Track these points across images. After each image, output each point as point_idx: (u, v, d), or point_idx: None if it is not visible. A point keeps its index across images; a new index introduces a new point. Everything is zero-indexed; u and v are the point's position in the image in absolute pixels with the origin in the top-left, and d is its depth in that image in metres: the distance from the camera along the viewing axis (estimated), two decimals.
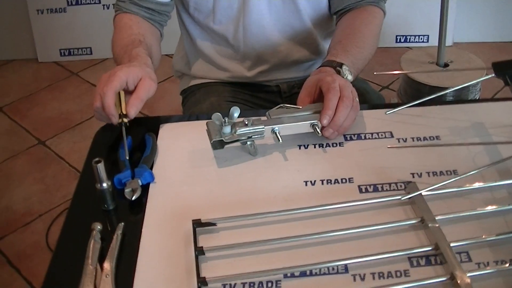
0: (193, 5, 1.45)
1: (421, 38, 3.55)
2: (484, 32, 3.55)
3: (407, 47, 3.48)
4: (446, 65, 2.60)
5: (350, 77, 1.23)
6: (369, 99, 1.51)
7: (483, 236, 0.93)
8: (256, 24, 1.45)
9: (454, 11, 3.39)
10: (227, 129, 1.07)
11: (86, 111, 3.07)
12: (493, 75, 1.08)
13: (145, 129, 1.19)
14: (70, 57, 3.62)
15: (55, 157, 2.82)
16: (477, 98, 2.60)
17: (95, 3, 3.48)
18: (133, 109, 1.14)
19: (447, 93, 2.61)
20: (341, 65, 1.25)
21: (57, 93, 3.31)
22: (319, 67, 1.28)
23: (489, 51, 3.34)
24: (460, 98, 2.46)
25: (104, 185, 1.00)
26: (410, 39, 3.60)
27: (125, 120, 1.13)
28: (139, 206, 1.03)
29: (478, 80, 1.24)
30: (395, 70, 2.95)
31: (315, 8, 1.49)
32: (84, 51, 3.62)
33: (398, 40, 3.60)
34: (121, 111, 1.14)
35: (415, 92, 2.66)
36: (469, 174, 1.00)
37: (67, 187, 2.58)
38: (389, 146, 1.13)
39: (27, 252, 2.34)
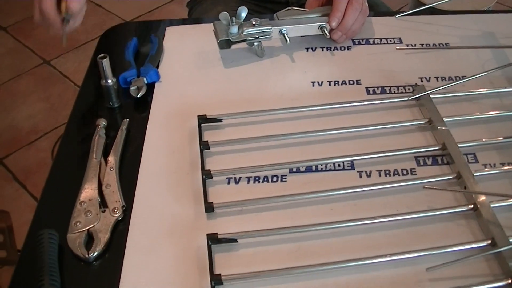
0: None
1: None
2: None
3: None
4: None
5: None
6: (378, 11, 1.48)
7: (491, 139, 0.92)
8: None
9: None
10: (234, 29, 1.06)
11: (91, 31, 3.03)
12: None
13: (150, 33, 1.17)
14: None
15: (60, 76, 2.80)
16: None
17: None
18: (74, 4, 1.03)
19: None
20: None
21: None
22: None
23: None
24: None
25: (109, 81, 0.99)
26: None
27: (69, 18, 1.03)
28: (144, 104, 1.02)
29: None
30: None
31: None
32: None
33: None
34: (65, 11, 1.03)
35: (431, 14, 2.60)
36: (477, 76, 0.99)
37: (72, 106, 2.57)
38: (397, 47, 1.11)
39: (32, 169, 2.35)
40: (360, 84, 1.04)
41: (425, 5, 1.13)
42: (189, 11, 1.62)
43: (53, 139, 2.43)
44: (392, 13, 1.21)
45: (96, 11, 3.25)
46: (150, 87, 1.04)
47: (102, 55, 0.97)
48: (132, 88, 1.01)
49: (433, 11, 1.15)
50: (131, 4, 3.27)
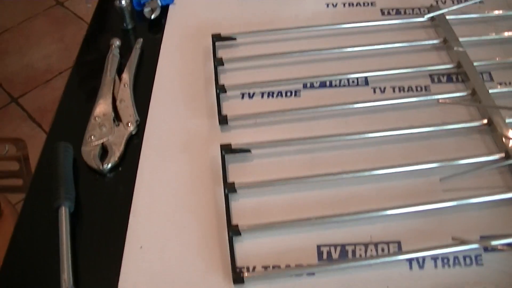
0: None
1: None
2: None
3: None
4: None
5: None
6: None
7: (507, 58, 0.91)
8: None
9: None
10: None
11: None
12: None
13: None
14: None
15: (74, 17, 2.80)
16: None
17: None
18: None
19: None
20: None
21: None
22: None
23: None
24: None
25: (123, 2, 0.98)
26: None
27: None
28: (158, 26, 1.01)
29: None
30: None
31: None
32: None
33: None
34: None
35: None
36: None
37: None
38: None
39: (47, 107, 2.37)
40: (375, 6, 1.03)
41: None
42: None
43: (67, 78, 2.43)
44: None
45: None
46: (164, 9, 1.03)
47: None
48: (146, 9, 1.01)
49: None
50: None
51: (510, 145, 0.77)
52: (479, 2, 1.00)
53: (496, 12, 1.00)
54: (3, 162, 1.57)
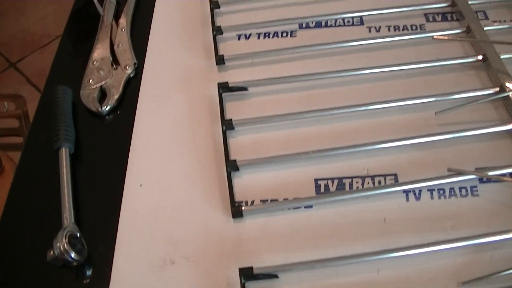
0: None
1: None
2: None
3: None
4: None
5: None
6: None
7: None
8: None
9: None
10: None
11: None
12: None
13: None
14: None
15: None
16: None
17: None
18: None
19: None
20: None
21: None
22: None
23: None
24: None
25: None
26: None
27: None
28: None
29: None
30: None
31: None
32: None
33: None
34: None
35: None
36: None
37: None
38: None
39: (46, 71, 2.34)
40: None
41: None
42: None
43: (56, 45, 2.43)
44: None
45: None
46: None
47: None
48: None
49: None
50: None
51: (504, 79, 0.77)
52: None
53: None
54: (3, 120, 1.57)
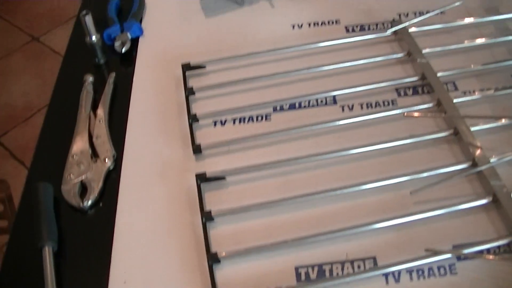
0: None
1: None
2: None
3: None
4: None
5: None
6: None
7: (470, 66, 0.94)
8: None
9: None
10: None
11: (78, 4, 3.02)
12: None
13: None
14: None
15: (50, 52, 2.81)
16: None
17: None
18: None
19: None
20: None
21: None
22: None
23: None
24: None
25: (94, 38, 1.00)
26: None
27: None
28: (130, 58, 1.03)
29: None
30: None
31: None
32: None
33: None
34: None
35: None
36: (453, 5, 1.00)
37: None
38: None
39: (29, 145, 2.37)
40: (339, 23, 1.05)
41: None
42: None
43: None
44: None
45: None
46: (134, 41, 1.05)
47: (84, 11, 0.98)
48: (117, 43, 1.03)
49: None
50: None
51: (476, 153, 0.79)
52: (440, 13, 1.02)
53: (458, 21, 1.02)
54: None
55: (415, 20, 0.99)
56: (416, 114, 0.86)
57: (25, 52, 2.83)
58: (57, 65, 2.44)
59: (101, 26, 1.04)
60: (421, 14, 1.06)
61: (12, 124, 2.47)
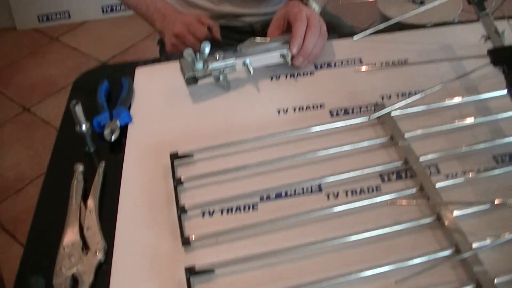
0: None
1: None
2: None
3: None
4: (422, 2, 2.60)
5: (317, 8, 1.26)
6: (340, 32, 1.53)
7: (451, 149, 0.96)
8: None
9: None
10: (199, 65, 1.10)
11: (69, 74, 3.08)
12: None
13: (122, 74, 1.22)
14: (48, 23, 3.63)
15: (42, 123, 2.84)
16: None
17: None
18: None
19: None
20: None
21: (39, 59, 3.32)
22: (288, 1, 1.30)
23: None
24: None
25: (83, 127, 1.03)
26: None
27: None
28: (119, 146, 1.05)
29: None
30: (373, 11, 2.96)
31: None
32: (63, 15, 3.62)
33: None
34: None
35: (391, 31, 2.68)
36: (434, 88, 1.03)
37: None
38: (356, 70, 1.16)
39: (21, 218, 2.37)
40: (324, 107, 1.08)
41: (390, 19, 1.17)
42: (160, 48, 1.66)
43: (39, 185, 2.44)
44: (352, 35, 1.26)
45: (72, 55, 3.31)
46: (124, 128, 1.08)
47: (74, 101, 1.00)
48: (106, 132, 1.05)
49: (392, 28, 1.19)
50: (105, 44, 3.32)
51: (459, 239, 0.81)
52: (424, 95, 1.05)
53: (439, 102, 1.04)
54: None
55: (397, 105, 1.02)
56: (399, 202, 0.88)
57: (17, 123, 2.85)
58: (49, 136, 2.48)
59: (91, 112, 1.06)
60: (403, 95, 1.09)
61: (3, 195, 2.48)
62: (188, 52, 1.09)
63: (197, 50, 1.10)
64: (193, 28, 1.39)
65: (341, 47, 1.25)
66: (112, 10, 3.53)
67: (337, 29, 1.56)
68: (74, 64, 3.22)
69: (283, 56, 1.14)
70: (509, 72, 0.95)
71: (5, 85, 3.10)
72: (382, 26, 1.17)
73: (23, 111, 2.91)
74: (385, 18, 2.53)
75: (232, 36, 1.58)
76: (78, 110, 1.01)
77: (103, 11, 3.61)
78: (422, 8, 1.19)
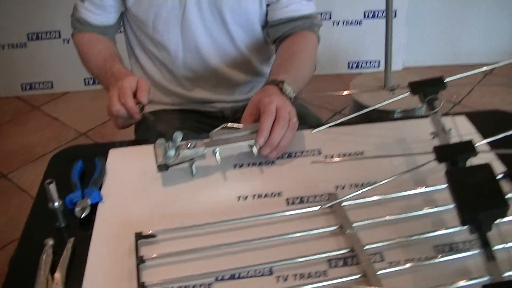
0: (135, 25, 1.65)
1: (373, 64, 3.70)
2: (434, 56, 3.75)
3: (360, 73, 3.62)
4: (393, 89, 2.72)
5: (291, 93, 1.36)
6: (308, 123, 1.63)
7: (396, 238, 1.04)
8: (193, 49, 1.62)
9: (404, 36, 3.59)
10: (171, 153, 1.18)
11: (47, 144, 3.15)
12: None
13: (96, 155, 1.30)
14: (31, 91, 3.74)
15: (17, 190, 2.89)
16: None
17: (55, 37, 3.60)
18: (144, 98, 1.34)
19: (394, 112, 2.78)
20: (282, 82, 1.37)
21: (19, 127, 3.41)
22: (263, 85, 1.39)
23: (438, 74, 3.48)
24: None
25: (56, 204, 1.10)
26: (362, 64, 3.77)
27: (144, 104, 1.36)
28: (88, 223, 1.13)
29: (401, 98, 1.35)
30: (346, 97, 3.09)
31: (249, 35, 1.65)
32: (45, 85, 3.73)
33: (350, 67, 3.78)
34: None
35: (364, 116, 2.79)
36: (384, 181, 1.12)
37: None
38: (312, 161, 1.25)
39: None
40: (281, 195, 1.17)
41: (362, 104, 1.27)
42: (135, 128, 1.75)
43: (10, 252, 2.47)
44: (314, 126, 1.35)
45: (52, 124, 3.39)
46: (94, 206, 1.15)
47: (48, 180, 1.08)
48: (77, 209, 1.13)
49: (352, 121, 1.29)
50: (86, 116, 3.40)
51: None
52: (374, 187, 1.13)
53: (389, 193, 1.14)
54: None
55: (348, 196, 1.10)
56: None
57: None
58: (24, 202, 2.52)
59: (64, 190, 1.15)
60: (357, 186, 1.18)
61: None
62: (160, 142, 1.18)
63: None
64: (126, 105, 1.33)
65: (302, 138, 1.34)
66: (94, 82, 3.63)
67: (304, 119, 1.65)
68: (53, 133, 3.31)
69: (250, 146, 1.23)
70: (451, 169, 1.05)
71: None
72: (340, 120, 1.28)
73: (0, 177, 2.96)
74: (357, 103, 2.66)
75: (203, 120, 1.68)
76: (52, 188, 1.09)
77: (85, 83, 3.71)
78: (391, 100, 1.28)
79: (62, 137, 3.25)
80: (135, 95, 1.34)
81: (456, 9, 3.64)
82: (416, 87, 1.25)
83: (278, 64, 1.50)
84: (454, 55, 3.70)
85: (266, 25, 1.64)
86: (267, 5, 1.62)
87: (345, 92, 1.51)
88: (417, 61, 3.74)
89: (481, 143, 1.19)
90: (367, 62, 3.76)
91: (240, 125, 1.27)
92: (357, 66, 3.78)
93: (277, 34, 1.62)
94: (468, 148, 1.06)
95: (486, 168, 0.97)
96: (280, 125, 1.23)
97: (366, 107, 2.60)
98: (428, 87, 1.25)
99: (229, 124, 1.27)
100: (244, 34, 1.64)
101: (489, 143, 1.25)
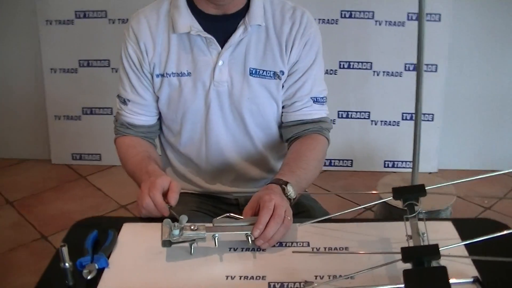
0: (166, 128, 1.82)
1: (408, 164, 3.80)
2: (469, 160, 3.84)
3: (394, 172, 3.77)
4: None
5: (293, 194, 1.51)
6: (313, 215, 1.75)
7: None
8: (215, 146, 1.78)
9: (438, 138, 3.74)
10: (176, 232, 1.35)
11: (86, 211, 3.32)
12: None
13: (112, 226, 1.48)
14: (80, 161, 3.98)
15: (53, 251, 3.03)
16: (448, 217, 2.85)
17: (107, 114, 3.85)
18: (174, 199, 1.47)
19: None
20: (286, 183, 1.53)
21: (64, 193, 3.62)
22: (268, 183, 1.55)
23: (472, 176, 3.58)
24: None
25: (66, 264, 1.26)
26: (397, 164, 3.88)
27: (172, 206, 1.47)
28: (94, 285, 1.28)
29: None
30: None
31: (266, 134, 1.81)
32: (94, 157, 3.98)
33: (386, 165, 3.91)
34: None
35: (388, 213, 2.95)
36: (361, 272, 1.25)
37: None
38: (293, 251, 1.39)
39: None
40: (265, 279, 1.29)
41: (388, 206, 1.39)
42: None
43: None
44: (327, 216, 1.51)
45: (95, 194, 3.59)
46: (101, 271, 1.32)
47: (62, 243, 1.25)
48: (85, 271, 1.29)
49: (340, 220, 1.44)
50: (127, 191, 3.55)
51: None
52: (350, 278, 1.26)
53: (362, 287, 1.25)
54: None
55: (322, 285, 1.23)
56: None
57: (31, 248, 3.05)
58: None
59: (77, 253, 1.31)
60: (334, 276, 1.30)
61: None
62: (166, 221, 1.35)
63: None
64: (155, 199, 1.46)
65: (294, 230, 1.48)
66: None
67: (310, 212, 1.80)
68: (94, 203, 3.51)
69: (246, 236, 1.38)
70: (410, 269, 1.17)
71: (28, 211, 3.40)
72: (324, 218, 1.43)
73: (40, 238, 3.14)
74: (383, 202, 2.78)
75: (219, 206, 1.84)
76: (64, 251, 1.25)
77: None
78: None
79: (101, 207, 3.43)
80: (165, 195, 1.48)
81: (492, 114, 3.78)
82: (398, 193, 1.37)
83: (286, 163, 1.67)
84: (491, 159, 3.81)
85: (281, 125, 1.81)
86: (283, 107, 1.79)
87: (369, 192, 1.62)
88: (452, 164, 3.85)
89: (449, 247, 1.29)
90: (402, 162, 3.87)
91: (241, 217, 1.44)
92: (393, 165, 3.90)
93: (288, 135, 1.79)
94: (433, 251, 1.17)
95: (441, 270, 1.10)
96: (275, 221, 1.38)
97: (390, 205, 2.77)
98: (408, 194, 1.38)
99: (231, 214, 1.44)
100: (261, 133, 1.81)
101: (469, 249, 1.35)
